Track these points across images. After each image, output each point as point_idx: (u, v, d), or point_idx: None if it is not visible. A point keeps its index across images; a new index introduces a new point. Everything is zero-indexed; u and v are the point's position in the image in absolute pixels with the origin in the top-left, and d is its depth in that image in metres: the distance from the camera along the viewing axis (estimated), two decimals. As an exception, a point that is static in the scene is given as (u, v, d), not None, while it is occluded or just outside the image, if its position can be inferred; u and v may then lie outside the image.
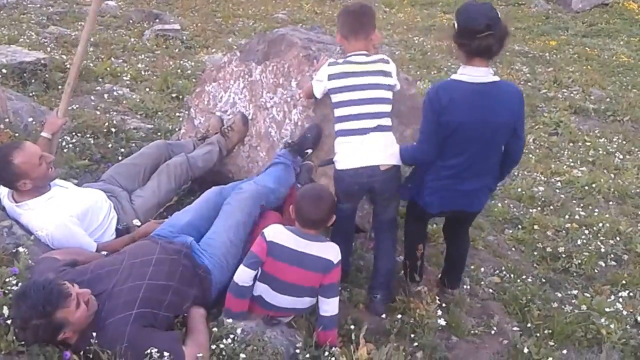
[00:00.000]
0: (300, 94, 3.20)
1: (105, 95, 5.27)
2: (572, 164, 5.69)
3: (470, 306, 3.13)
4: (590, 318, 3.09)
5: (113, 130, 4.17)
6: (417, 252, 2.93)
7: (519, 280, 3.44)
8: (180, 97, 5.63)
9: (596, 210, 4.65)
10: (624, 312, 3.20)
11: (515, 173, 5.30)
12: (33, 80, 4.95)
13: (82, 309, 2.10)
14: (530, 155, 5.78)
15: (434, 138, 2.57)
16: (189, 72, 6.47)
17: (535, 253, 3.91)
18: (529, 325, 3.00)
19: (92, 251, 2.70)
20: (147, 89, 5.73)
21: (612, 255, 3.94)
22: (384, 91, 2.72)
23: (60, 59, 5.76)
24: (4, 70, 4.83)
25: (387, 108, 2.74)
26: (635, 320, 3.22)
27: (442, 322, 2.74)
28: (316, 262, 2.41)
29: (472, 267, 3.51)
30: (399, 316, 2.74)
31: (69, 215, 2.71)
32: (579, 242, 4.00)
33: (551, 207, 4.63)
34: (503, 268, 3.59)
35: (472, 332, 2.92)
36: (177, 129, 4.39)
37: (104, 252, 2.70)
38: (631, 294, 3.45)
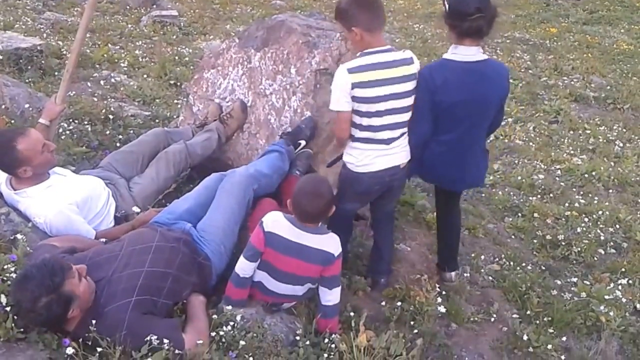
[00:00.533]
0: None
1: (103, 82, 5.23)
2: (572, 152, 5.69)
3: (470, 293, 3.13)
4: (589, 305, 3.10)
5: (110, 117, 4.13)
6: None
7: (518, 268, 3.44)
8: (178, 84, 5.60)
9: (596, 198, 4.66)
10: (623, 300, 3.22)
11: (516, 161, 5.30)
12: (29, 67, 4.92)
13: (84, 282, 2.10)
14: (531, 143, 5.77)
15: (429, 116, 2.61)
16: (187, 59, 6.43)
17: (535, 241, 3.91)
18: (528, 312, 3.01)
19: (91, 238, 2.69)
20: (145, 76, 5.69)
21: (611, 243, 3.96)
22: (409, 99, 2.57)
23: (56, 45, 5.72)
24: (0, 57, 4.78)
25: (410, 114, 2.61)
26: (634, 308, 3.24)
27: (441, 309, 2.75)
28: (316, 255, 2.39)
29: (472, 254, 3.51)
30: (399, 303, 2.74)
31: (68, 203, 2.69)
32: (578, 229, 4.01)
33: (551, 195, 4.63)
34: (503, 256, 3.59)
35: (471, 319, 2.93)
36: (175, 116, 4.34)
37: (103, 240, 2.68)
38: (630, 281, 3.46)
